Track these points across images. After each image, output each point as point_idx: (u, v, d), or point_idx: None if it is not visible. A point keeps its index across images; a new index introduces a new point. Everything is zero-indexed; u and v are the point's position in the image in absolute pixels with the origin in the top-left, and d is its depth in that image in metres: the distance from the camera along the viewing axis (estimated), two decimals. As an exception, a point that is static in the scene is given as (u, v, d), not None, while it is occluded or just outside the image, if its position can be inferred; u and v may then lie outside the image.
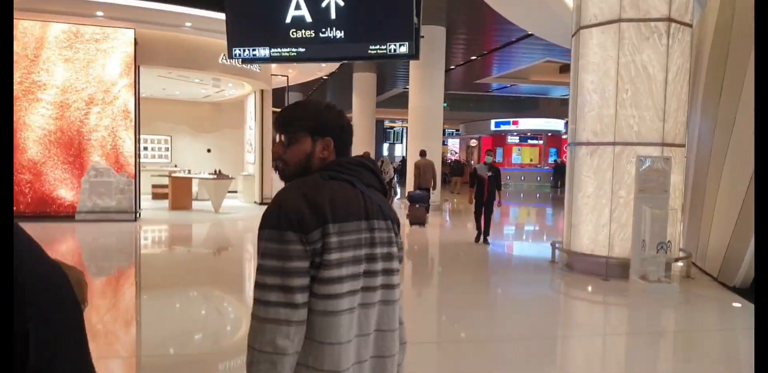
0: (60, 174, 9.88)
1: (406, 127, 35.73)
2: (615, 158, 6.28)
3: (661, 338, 4.57)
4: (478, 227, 8.71)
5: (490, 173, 8.35)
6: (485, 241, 8.62)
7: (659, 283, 5.67)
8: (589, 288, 6.07)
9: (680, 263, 6.47)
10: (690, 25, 6.39)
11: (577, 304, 5.85)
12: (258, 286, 1.19)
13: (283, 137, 1.34)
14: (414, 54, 7.28)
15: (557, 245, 7.19)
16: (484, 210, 8.51)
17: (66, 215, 9.86)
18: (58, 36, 9.73)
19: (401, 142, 39.41)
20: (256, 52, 8.25)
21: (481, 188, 8.43)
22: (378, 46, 7.25)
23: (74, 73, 9.84)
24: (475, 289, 6.16)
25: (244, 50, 8.32)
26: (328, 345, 1.20)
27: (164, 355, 3.93)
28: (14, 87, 9.57)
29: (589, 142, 6.50)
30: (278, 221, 1.19)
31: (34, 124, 9.74)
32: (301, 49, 7.69)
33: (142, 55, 10.27)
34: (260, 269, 1.19)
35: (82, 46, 9.84)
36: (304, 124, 1.33)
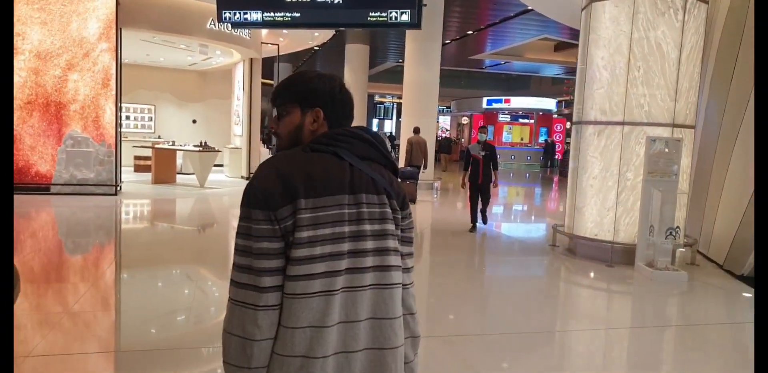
0: (33, 143, 9.35)
1: (397, 103, 35.28)
2: (623, 139, 5.99)
3: (670, 329, 4.35)
4: (473, 217, 7.89)
5: (484, 153, 7.60)
6: (484, 219, 7.91)
7: (666, 270, 5.45)
8: (592, 274, 5.81)
9: (683, 249, 6.26)
10: (706, 2, 6.06)
11: (580, 291, 5.59)
12: (233, 266, 1.15)
13: (275, 111, 1.29)
14: (416, 23, 6.86)
15: (559, 228, 6.91)
16: (480, 195, 7.75)
17: (40, 186, 9.37)
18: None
19: (390, 119, 38.90)
20: (247, 16, 7.73)
21: (476, 169, 7.63)
22: (378, 14, 6.80)
23: (49, 36, 9.21)
24: (469, 275, 5.88)
25: (234, 13, 7.79)
26: (299, 329, 1.10)
27: (145, 336, 3.73)
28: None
29: (596, 121, 6.20)
30: (248, 199, 1.14)
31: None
32: (296, 14, 7.21)
33: (124, 17, 9.65)
34: (235, 248, 1.16)
35: (57, 7, 9.19)
36: (292, 96, 1.27)
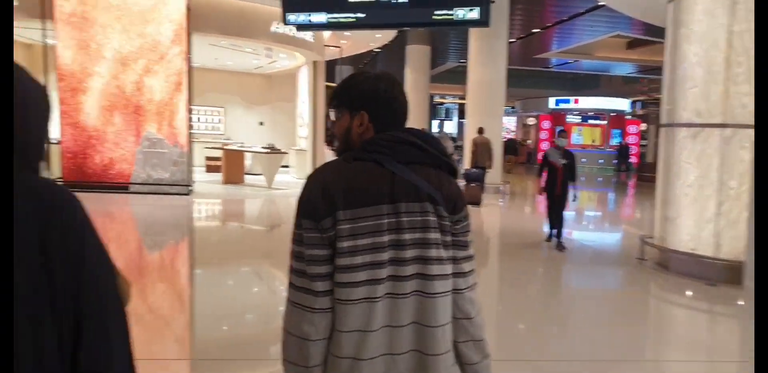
0: (115, 144, 9.88)
1: (458, 104, 34.99)
2: (723, 143, 5.43)
3: None
4: (551, 225, 7.16)
5: (564, 161, 6.78)
6: (559, 245, 6.92)
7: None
8: (690, 293, 5.24)
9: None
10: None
11: (676, 313, 5.01)
12: (290, 269, 1.21)
13: (332, 114, 1.32)
14: (485, 20, 6.73)
15: (647, 240, 6.29)
16: (555, 207, 6.96)
17: (120, 185, 9.89)
18: (107, 1, 9.59)
19: (450, 120, 38.62)
20: (311, 18, 7.87)
21: (553, 178, 6.87)
22: (444, 12, 6.74)
23: (128, 41, 9.73)
24: (546, 290, 5.53)
25: (299, 16, 7.94)
26: (346, 333, 1.16)
27: (218, 333, 3.83)
28: (75, 55, 9.55)
29: (690, 123, 5.63)
30: (299, 208, 1.20)
31: (93, 91, 9.71)
32: (361, 15, 7.26)
33: (194, 22, 10.05)
34: (291, 253, 1.22)
35: (135, 14, 9.68)
36: (342, 99, 1.28)
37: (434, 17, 6.52)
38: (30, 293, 0.88)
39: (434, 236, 1.21)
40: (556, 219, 7.01)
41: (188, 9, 9.81)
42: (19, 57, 0.99)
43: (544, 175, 7.03)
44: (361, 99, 1.26)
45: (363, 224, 1.16)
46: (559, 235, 7.05)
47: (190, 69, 10.10)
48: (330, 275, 1.17)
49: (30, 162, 0.98)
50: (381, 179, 1.19)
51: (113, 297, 0.99)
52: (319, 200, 1.16)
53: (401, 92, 1.30)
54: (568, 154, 6.90)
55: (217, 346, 3.58)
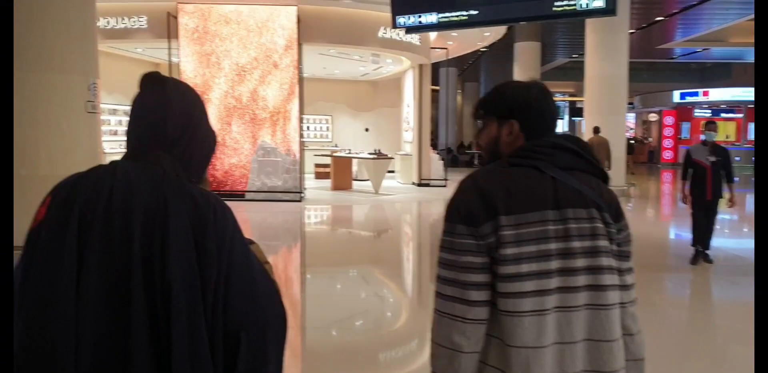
0: (233, 152, 10.39)
1: (568, 102, 33.50)
2: None
3: None
4: (697, 241, 5.96)
5: (713, 158, 5.68)
6: (705, 258, 5.96)
7: None
8: None
9: None
10: None
11: None
12: (437, 278, 1.19)
13: (478, 123, 1.34)
14: (611, 9, 6.24)
15: None
16: (706, 215, 5.89)
17: (237, 193, 10.36)
18: (225, 15, 10.10)
19: (562, 118, 37.14)
20: (422, 19, 7.75)
21: (701, 181, 5.73)
22: (566, 3, 6.33)
23: (245, 52, 10.19)
24: (696, 316, 4.71)
25: (409, 18, 7.86)
26: (514, 348, 1.11)
27: (327, 338, 3.92)
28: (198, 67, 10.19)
29: None
30: (451, 214, 1.18)
31: (213, 102, 10.27)
32: (473, 12, 7.03)
33: (304, 32, 10.34)
34: (438, 261, 1.19)
35: (251, 26, 10.14)
36: (489, 108, 1.30)
37: (555, 9, 6.14)
38: (186, 287, 0.94)
39: (603, 243, 1.16)
40: (705, 231, 5.91)
41: (299, 20, 10.12)
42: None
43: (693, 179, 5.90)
44: (511, 108, 1.26)
45: (528, 230, 1.12)
46: (707, 246, 5.98)
47: (301, 78, 10.40)
48: (486, 285, 1.13)
49: (196, 173, 1.12)
50: (543, 184, 1.16)
51: (264, 300, 1.05)
52: (477, 205, 1.14)
53: (552, 101, 1.30)
54: (720, 150, 5.78)
55: (326, 351, 3.63)
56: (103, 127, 9.19)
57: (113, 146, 10.69)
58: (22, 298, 0.95)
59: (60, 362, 0.91)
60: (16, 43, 5.07)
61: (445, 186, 13.05)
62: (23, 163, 5.24)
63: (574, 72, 12.74)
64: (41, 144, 5.26)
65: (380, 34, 11.30)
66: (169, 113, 1.06)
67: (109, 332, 0.93)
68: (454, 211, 1.17)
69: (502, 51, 20.10)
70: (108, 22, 10.25)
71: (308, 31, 10.45)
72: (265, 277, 1.09)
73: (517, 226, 1.12)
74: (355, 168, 13.20)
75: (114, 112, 11.82)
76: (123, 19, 10.37)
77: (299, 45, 10.23)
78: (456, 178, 13.76)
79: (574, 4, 6.08)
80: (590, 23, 12.06)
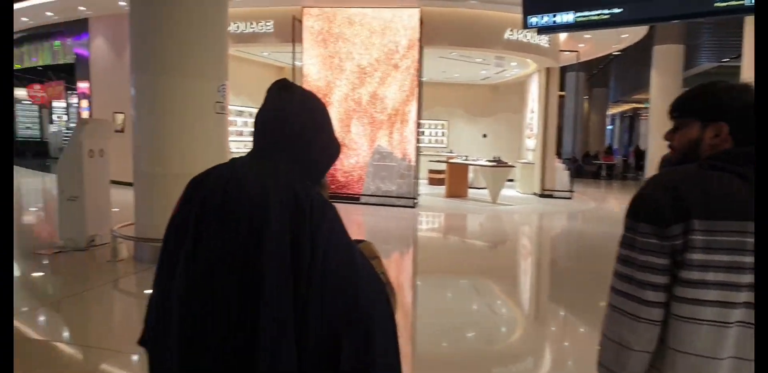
0: (351, 155, 10.52)
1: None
2: None
3: None
4: None
5: None
6: None
7: None
8: None
9: None
10: None
11: None
12: (614, 273, 1.20)
13: (673, 123, 1.31)
14: (788, 2, 5.48)
15: None
16: None
17: (353, 196, 10.48)
18: (349, 18, 10.26)
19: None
20: (557, 19, 7.31)
21: None
22: (731, -3, 5.65)
23: (367, 54, 10.29)
24: None
25: (542, 17, 7.45)
26: (681, 354, 1.11)
27: (438, 349, 3.88)
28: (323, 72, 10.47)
29: None
30: (635, 210, 1.17)
31: (335, 104, 10.48)
32: (617, 10, 6.49)
33: (426, 35, 10.24)
34: (617, 257, 1.20)
35: (375, 28, 10.22)
36: (692, 108, 1.26)
37: (717, 5, 5.48)
38: (275, 276, 1.02)
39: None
40: None
41: (421, 21, 10.05)
42: (273, 79, 1.13)
43: None
44: (722, 110, 1.22)
45: (722, 239, 1.09)
46: None
47: (420, 81, 10.32)
48: (665, 287, 1.13)
49: (315, 176, 1.21)
50: (743, 193, 1.11)
51: (367, 299, 1.08)
52: (667, 204, 1.12)
53: None
54: None
55: (435, 362, 3.60)
56: (230, 128, 9.73)
57: (238, 146, 11.26)
58: (157, 274, 1.16)
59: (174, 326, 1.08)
60: (156, 48, 5.43)
61: (570, 198, 12.32)
62: (159, 162, 5.58)
63: (723, 78, 11.40)
64: (175, 144, 5.56)
65: (506, 35, 10.94)
66: (290, 118, 1.16)
67: (208, 298, 1.05)
68: (640, 208, 1.16)
69: (637, 54, 18.78)
70: (237, 27, 10.84)
71: (431, 33, 10.35)
72: (369, 274, 1.13)
73: (711, 233, 1.09)
74: (471, 175, 12.89)
75: (240, 113, 12.49)
76: (251, 23, 10.92)
77: (420, 47, 10.15)
78: (581, 189, 13.03)
79: (743, 1, 5.40)
80: (751, 22, 10.83)
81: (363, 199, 10.46)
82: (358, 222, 9.23)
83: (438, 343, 3.95)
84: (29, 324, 4.06)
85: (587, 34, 12.37)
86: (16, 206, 10.62)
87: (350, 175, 10.56)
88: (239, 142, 11.64)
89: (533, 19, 7.50)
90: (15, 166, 16.48)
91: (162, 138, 5.58)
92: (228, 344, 1.02)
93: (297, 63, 10.75)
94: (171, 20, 5.45)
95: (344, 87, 10.45)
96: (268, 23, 10.88)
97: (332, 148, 1.25)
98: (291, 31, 10.26)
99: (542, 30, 7.33)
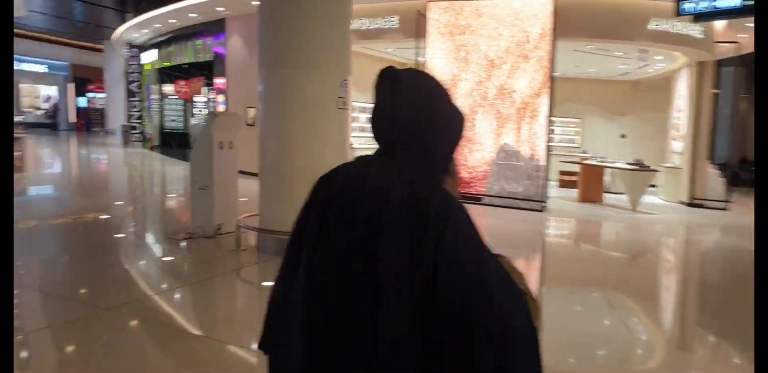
0: (475, 152, 10.24)
1: None
2: None
3: None
4: None
5: None
6: None
7: None
8: None
9: None
10: None
11: None
12: None
13: None
14: None
15: None
16: None
17: (474, 196, 10.20)
18: (478, 9, 10.01)
19: None
20: (717, 3, 6.60)
21: None
22: None
23: (494, 44, 9.95)
24: None
25: (699, 2, 6.77)
26: None
27: (562, 365, 3.65)
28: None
29: None
30: None
31: (459, 98, 10.30)
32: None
33: (559, 26, 9.68)
34: None
35: (502, 16, 9.87)
36: None
37: None
38: (393, 278, 1.01)
39: None
40: None
41: (555, 10, 9.54)
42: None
43: None
44: None
45: None
46: None
47: (552, 77, 9.80)
48: None
49: (441, 162, 1.20)
50: None
51: (502, 309, 1.03)
52: None
53: None
54: None
55: None
56: (353, 124, 9.89)
57: (361, 142, 11.44)
58: (285, 263, 1.20)
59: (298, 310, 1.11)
60: (282, 44, 5.62)
61: (725, 209, 11.02)
62: (283, 155, 5.76)
63: None
64: (298, 138, 5.71)
65: (651, 25, 10.07)
66: (400, 110, 1.15)
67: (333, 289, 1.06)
68: None
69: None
70: (363, 24, 11.00)
71: (565, 24, 9.77)
72: (504, 281, 1.11)
73: None
74: (607, 179, 12.07)
75: (363, 109, 12.71)
76: (376, 19, 11.04)
77: (554, 37, 9.63)
78: (739, 200, 11.65)
79: None
80: None
81: (485, 199, 10.14)
82: (482, 224, 8.97)
83: (563, 359, 3.68)
84: (157, 308, 4.34)
85: (750, 22, 11.04)
86: (161, 193, 11.93)
87: (475, 172, 10.27)
88: (361, 137, 11.83)
89: (688, 5, 6.81)
90: (162, 156, 18.28)
91: (286, 132, 5.75)
92: (350, 348, 1.03)
93: (420, 59, 10.69)
94: (297, 15, 5.60)
95: (470, 80, 10.21)
96: (392, 18, 10.95)
97: (457, 124, 1.21)
98: (415, 26, 10.22)
99: (699, 17, 6.62)
